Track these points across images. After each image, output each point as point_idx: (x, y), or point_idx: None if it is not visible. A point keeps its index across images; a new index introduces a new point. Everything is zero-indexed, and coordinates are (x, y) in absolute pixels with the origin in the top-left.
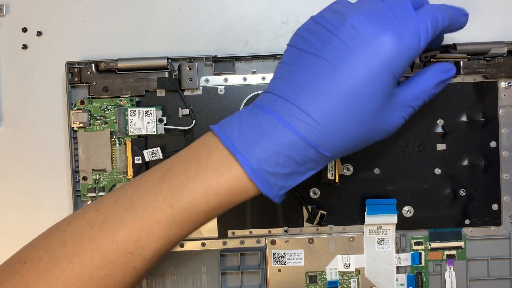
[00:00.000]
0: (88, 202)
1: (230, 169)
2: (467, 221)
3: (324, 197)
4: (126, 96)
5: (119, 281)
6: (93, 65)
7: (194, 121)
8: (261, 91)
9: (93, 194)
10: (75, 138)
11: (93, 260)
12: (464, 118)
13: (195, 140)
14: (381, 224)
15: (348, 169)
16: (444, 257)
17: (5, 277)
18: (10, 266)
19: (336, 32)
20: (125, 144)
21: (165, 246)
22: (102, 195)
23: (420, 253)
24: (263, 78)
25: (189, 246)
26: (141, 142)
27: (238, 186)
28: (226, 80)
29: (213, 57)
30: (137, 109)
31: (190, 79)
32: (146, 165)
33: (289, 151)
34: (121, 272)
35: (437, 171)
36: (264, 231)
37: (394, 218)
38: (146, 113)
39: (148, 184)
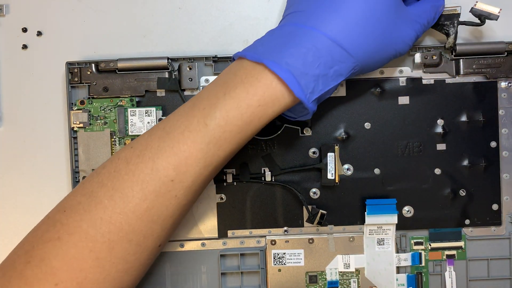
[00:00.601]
0: None
1: (258, 79)
2: (467, 221)
3: (324, 197)
4: (126, 96)
5: (162, 213)
6: (93, 65)
7: None
8: None
9: None
10: (75, 138)
11: (134, 193)
12: (464, 118)
13: None
14: (381, 224)
15: (348, 169)
16: (444, 257)
17: (46, 228)
18: (49, 218)
19: None
20: (125, 144)
21: (204, 170)
22: None
23: (420, 253)
24: None
25: (189, 246)
26: None
27: (269, 94)
28: None
29: (213, 57)
30: (137, 109)
31: (190, 79)
32: None
33: (316, 50)
34: (164, 203)
35: (437, 171)
36: (264, 231)
37: (394, 218)
38: (146, 113)
39: (179, 114)
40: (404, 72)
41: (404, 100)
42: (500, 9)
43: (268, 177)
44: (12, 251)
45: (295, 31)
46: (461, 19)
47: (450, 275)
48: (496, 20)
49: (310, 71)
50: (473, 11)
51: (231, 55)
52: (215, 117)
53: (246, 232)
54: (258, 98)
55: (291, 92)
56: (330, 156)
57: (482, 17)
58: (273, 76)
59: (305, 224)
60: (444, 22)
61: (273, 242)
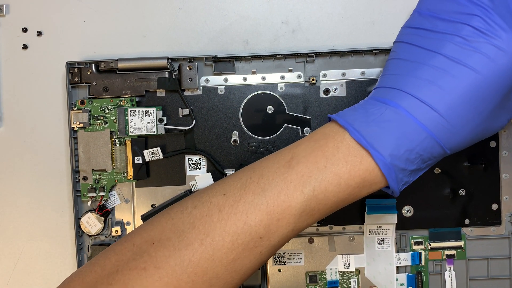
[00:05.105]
0: (89, 203)
1: (361, 162)
2: (466, 221)
3: None
4: (126, 96)
5: (245, 265)
6: (93, 65)
7: (194, 121)
8: (262, 91)
9: (93, 194)
10: (75, 138)
11: (224, 243)
12: None
13: (314, 130)
14: (381, 224)
15: None
16: (444, 256)
17: (132, 256)
18: (134, 246)
19: (456, 32)
20: (125, 144)
21: (291, 233)
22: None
23: (420, 253)
24: (263, 78)
25: None
26: (141, 142)
27: (369, 179)
28: (226, 80)
29: (213, 57)
30: (137, 109)
31: (190, 79)
32: (146, 165)
33: (420, 149)
34: (249, 257)
35: (437, 171)
36: None
37: (394, 218)
38: (146, 113)
39: (274, 171)
40: None
41: None
42: None
43: None
44: (91, 264)
45: (402, 119)
46: None
47: (450, 275)
48: None
49: (409, 167)
50: None
51: (231, 55)
52: (313, 189)
53: None
54: (358, 180)
55: (387, 182)
56: None
57: None
58: (375, 164)
59: None
60: None
61: None
